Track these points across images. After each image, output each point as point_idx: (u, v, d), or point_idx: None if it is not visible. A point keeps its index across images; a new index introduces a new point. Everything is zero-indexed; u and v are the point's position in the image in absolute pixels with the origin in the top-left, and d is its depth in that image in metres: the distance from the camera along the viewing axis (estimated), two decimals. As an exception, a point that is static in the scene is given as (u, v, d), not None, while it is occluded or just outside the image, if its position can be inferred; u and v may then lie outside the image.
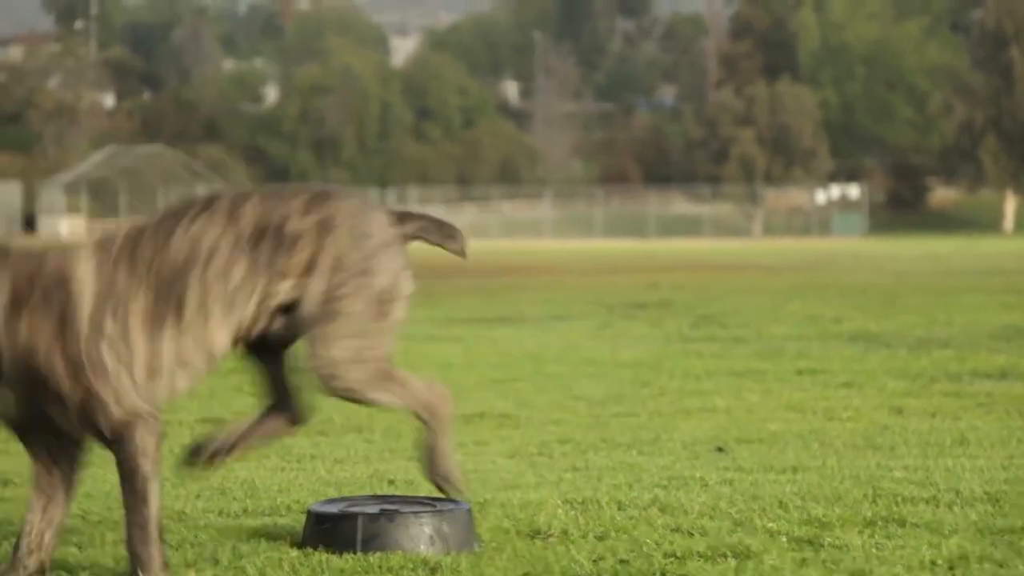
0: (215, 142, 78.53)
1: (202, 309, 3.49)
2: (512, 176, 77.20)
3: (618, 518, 4.40)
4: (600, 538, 4.17)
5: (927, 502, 4.64)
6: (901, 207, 78.27)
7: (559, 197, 73.06)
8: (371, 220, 3.60)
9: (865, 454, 5.79)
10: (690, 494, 4.80)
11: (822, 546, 4.07)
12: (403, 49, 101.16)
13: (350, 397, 3.71)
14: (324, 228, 3.54)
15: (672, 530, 4.25)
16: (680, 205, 75.18)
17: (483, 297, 17.93)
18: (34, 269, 3.46)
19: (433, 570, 3.82)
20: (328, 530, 4.02)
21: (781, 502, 4.63)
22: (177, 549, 4.03)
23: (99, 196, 71.10)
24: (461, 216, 73.25)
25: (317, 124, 78.84)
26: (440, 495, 4.26)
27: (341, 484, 5.12)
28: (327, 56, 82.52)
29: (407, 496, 4.37)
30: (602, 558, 3.93)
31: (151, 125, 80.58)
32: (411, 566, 3.84)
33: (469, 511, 4.12)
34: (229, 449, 3.77)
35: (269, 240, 3.50)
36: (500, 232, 68.71)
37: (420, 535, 3.99)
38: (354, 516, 4.00)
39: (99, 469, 5.49)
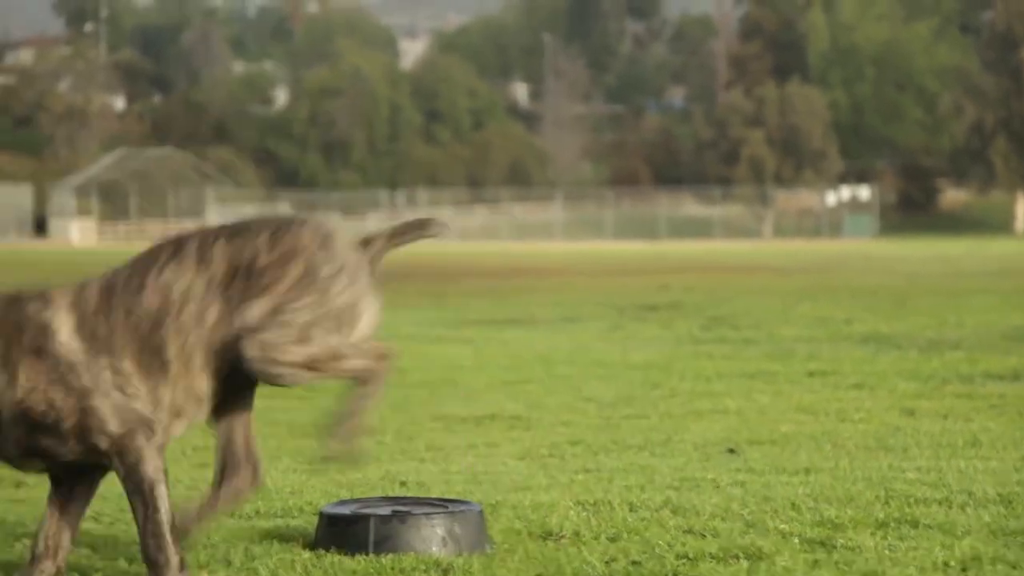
0: (225, 144, 78.63)
1: (183, 357, 3.49)
2: (522, 178, 77.20)
3: (630, 519, 4.40)
4: (612, 539, 4.17)
5: (940, 503, 4.63)
6: (912, 208, 78.16)
7: (569, 199, 73.05)
8: (332, 245, 3.58)
9: (877, 455, 5.78)
10: (702, 495, 4.80)
11: (834, 547, 4.06)
12: (412, 51, 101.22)
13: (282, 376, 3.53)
14: (287, 257, 3.53)
15: (684, 531, 4.25)
16: (690, 207, 75.13)
17: (493, 299, 17.93)
18: (18, 316, 3.49)
19: (445, 571, 3.82)
20: (340, 532, 4.02)
21: (793, 504, 4.63)
22: (190, 551, 4.04)
23: (109, 199, 71.22)
24: (471, 218, 73.28)
25: (327, 126, 78.91)
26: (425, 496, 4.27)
27: (353, 486, 5.13)
28: (336, 58, 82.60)
29: (419, 498, 4.37)
30: (614, 559, 3.93)
31: (161, 127, 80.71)
32: (423, 567, 3.84)
33: (481, 512, 4.13)
34: (190, 526, 3.72)
35: (241, 279, 3.51)
36: (510, 234, 68.70)
37: (432, 536, 3.99)
38: (366, 518, 4.01)
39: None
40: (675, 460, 5.72)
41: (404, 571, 3.82)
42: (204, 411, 3.59)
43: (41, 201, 68.87)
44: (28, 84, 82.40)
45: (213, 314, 3.49)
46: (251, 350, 3.48)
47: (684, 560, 3.92)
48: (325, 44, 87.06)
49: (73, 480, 3.62)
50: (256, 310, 3.50)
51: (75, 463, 3.57)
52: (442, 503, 4.22)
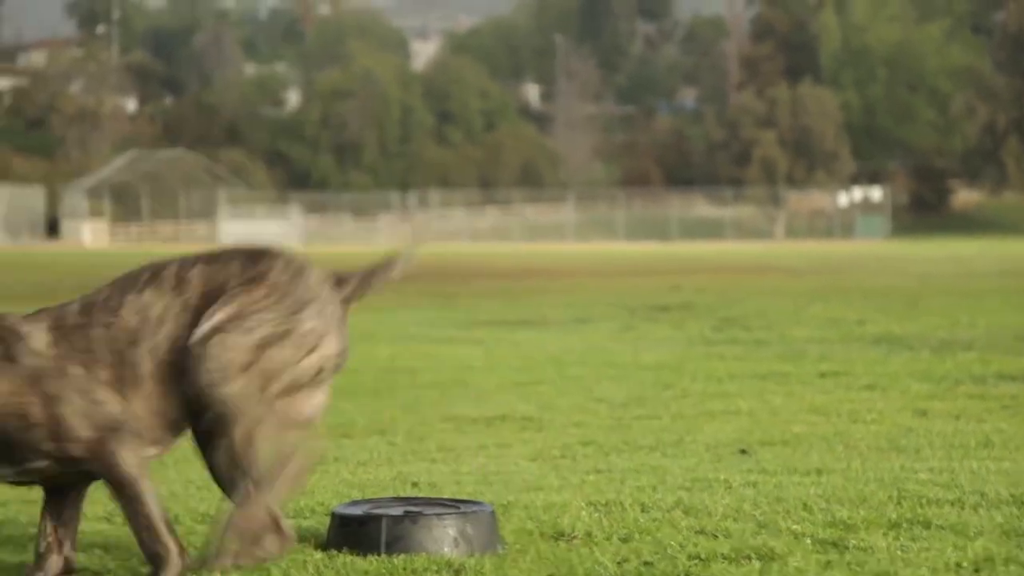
0: (237, 146, 78.76)
1: (158, 375, 3.50)
2: (534, 179, 77.23)
3: (642, 520, 4.39)
4: (624, 540, 4.16)
5: (952, 504, 4.62)
6: (924, 209, 78.06)
7: (581, 200, 73.06)
8: (303, 276, 3.57)
9: (889, 456, 5.77)
10: (714, 496, 4.79)
11: (847, 548, 4.06)
12: (424, 53, 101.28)
13: (229, 419, 3.49)
14: (255, 279, 3.52)
15: (696, 532, 4.25)
16: (702, 208, 75.11)
17: (505, 300, 17.94)
18: None
19: (457, 572, 3.82)
20: (352, 532, 4.03)
21: (805, 504, 4.62)
22: (204, 550, 4.04)
23: (121, 200, 71.36)
24: (483, 219, 73.33)
25: (338, 128, 78.99)
26: (462, 498, 4.27)
27: (364, 486, 5.13)
28: (348, 60, 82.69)
29: (430, 498, 4.37)
30: (626, 560, 3.93)
31: (173, 129, 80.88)
32: (435, 568, 3.84)
33: (493, 513, 4.13)
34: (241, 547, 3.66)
35: (202, 309, 3.53)
36: (522, 235, 68.71)
37: (444, 537, 3.99)
38: (378, 518, 4.01)
39: (124, 471, 5.52)
40: (687, 461, 5.72)
41: (416, 571, 3.82)
42: (178, 434, 3.58)
43: (53, 203, 69.03)
44: (40, 86, 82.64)
45: (186, 337, 3.50)
46: (199, 338, 3.46)
47: (696, 561, 3.92)
48: (337, 46, 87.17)
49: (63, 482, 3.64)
50: (220, 313, 3.49)
51: (64, 478, 3.58)
52: (454, 503, 4.22)
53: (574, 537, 4.20)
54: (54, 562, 3.66)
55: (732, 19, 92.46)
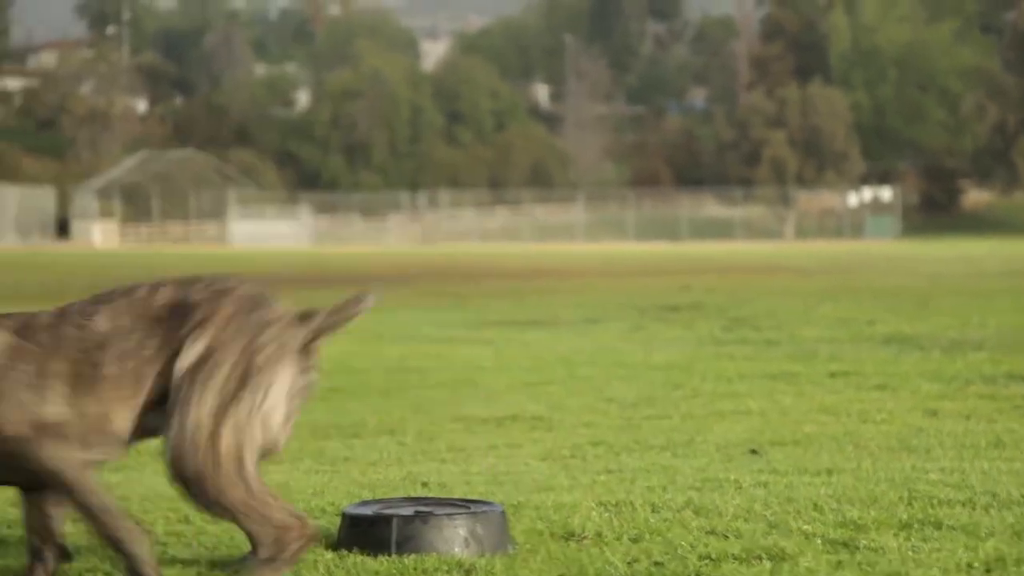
0: (247, 146, 78.84)
1: (116, 384, 3.53)
2: (544, 179, 77.22)
3: (652, 520, 4.39)
4: (634, 540, 4.16)
5: (963, 505, 4.62)
6: (934, 209, 77.94)
7: (590, 200, 73.04)
8: (265, 307, 3.60)
9: (900, 456, 5.76)
10: (724, 496, 4.79)
11: (858, 548, 4.05)
12: (434, 53, 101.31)
13: (195, 489, 3.52)
14: (218, 295, 3.58)
15: (706, 532, 4.25)
16: (712, 208, 75.05)
17: (514, 300, 17.94)
18: None
19: (468, 572, 3.82)
20: (363, 532, 4.03)
21: (816, 504, 4.62)
22: (213, 550, 4.05)
23: (132, 201, 71.47)
24: (493, 219, 73.33)
25: (348, 128, 79.04)
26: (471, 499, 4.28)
27: (375, 486, 5.13)
28: (358, 60, 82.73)
29: (441, 498, 4.38)
30: (636, 560, 3.93)
31: (183, 130, 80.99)
32: (446, 568, 3.84)
33: (503, 513, 4.13)
34: None
35: (176, 318, 3.58)
36: (532, 235, 68.71)
37: (454, 537, 3.99)
38: (389, 518, 4.01)
39: (134, 472, 5.52)
40: (697, 461, 5.71)
41: (427, 571, 3.82)
42: (124, 442, 3.60)
43: (64, 203, 69.14)
44: (51, 87, 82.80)
45: (151, 347, 3.54)
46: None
47: (707, 561, 3.92)
48: (346, 46, 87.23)
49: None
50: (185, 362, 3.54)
51: (18, 479, 3.61)
52: (464, 504, 4.22)
53: (584, 537, 4.20)
54: (49, 553, 3.69)
55: (742, 19, 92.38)
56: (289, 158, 79.17)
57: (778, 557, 3.94)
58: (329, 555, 3.99)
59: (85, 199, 69.72)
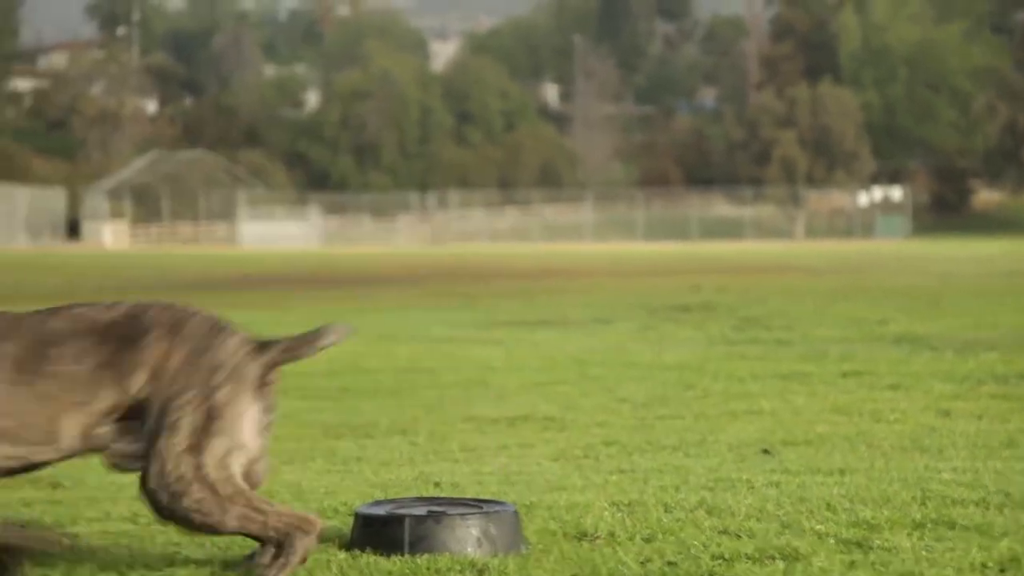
0: (256, 147, 78.90)
1: (53, 383, 3.55)
2: (553, 179, 77.19)
3: (665, 520, 4.39)
4: (647, 540, 4.16)
5: (976, 504, 4.61)
6: (945, 209, 77.81)
7: (600, 200, 73.00)
8: (220, 341, 3.60)
9: (913, 456, 5.75)
10: (737, 496, 4.79)
11: (871, 548, 4.04)
12: (443, 53, 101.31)
13: (197, 522, 3.58)
14: (173, 334, 3.57)
15: (719, 532, 4.24)
16: (721, 207, 74.97)
17: (524, 300, 17.93)
18: None
19: (480, 572, 3.82)
20: (376, 532, 4.03)
21: (829, 504, 4.61)
22: (226, 550, 4.05)
23: (142, 201, 71.55)
24: (502, 219, 73.32)
25: (358, 129, 79.07)
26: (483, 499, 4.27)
27: (387, 486, 5.13)
28: (367, 61, 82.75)
29: (453, 498, 4.37)
30: (649, 560, 3.92)
31: (193, 131, 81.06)
32: (458, 568, 3.84)
33: (516, 513, 4.12)
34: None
35: (125, 342, 3.59)
36: (541, 235, 68.69)
37: (467, 537, 3.99)
38: (402, 518, 4.01)
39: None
40: (710, 461, 5.71)
41: (440, 571, 3.82)
42: (61, 448, 3.61)
43: (74, 204, 69.23)
44: (61, 88, 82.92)
45: (95, 361, 3.57)
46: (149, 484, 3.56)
47: (720, 561, 3.91)
48: (356, 47, 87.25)
49: None
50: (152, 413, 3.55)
51: None
52: (477, 503, 4.22)
53: (597, 537, 4.19)
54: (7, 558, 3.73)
55: (752, 19, 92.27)
56: (299, 159, 79.22)
57: (791, 557, 3.94)
58: (342, 555, 3.99)
59: (95, 200, 69.81)
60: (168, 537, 4.18)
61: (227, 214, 70.97)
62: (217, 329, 3.63)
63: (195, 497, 3.53)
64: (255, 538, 3.65)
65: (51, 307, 3.73)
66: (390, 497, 4.66)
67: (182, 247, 63.29)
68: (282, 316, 15.13)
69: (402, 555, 3.94)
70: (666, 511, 4.54)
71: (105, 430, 3.59)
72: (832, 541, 4.12)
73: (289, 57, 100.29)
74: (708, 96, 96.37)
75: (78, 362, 3.58)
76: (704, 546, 4.04)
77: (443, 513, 4.05)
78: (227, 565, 3.88)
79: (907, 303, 15.82)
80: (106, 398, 3.57)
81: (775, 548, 4.00)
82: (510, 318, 14.39)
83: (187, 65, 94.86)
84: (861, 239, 66.81)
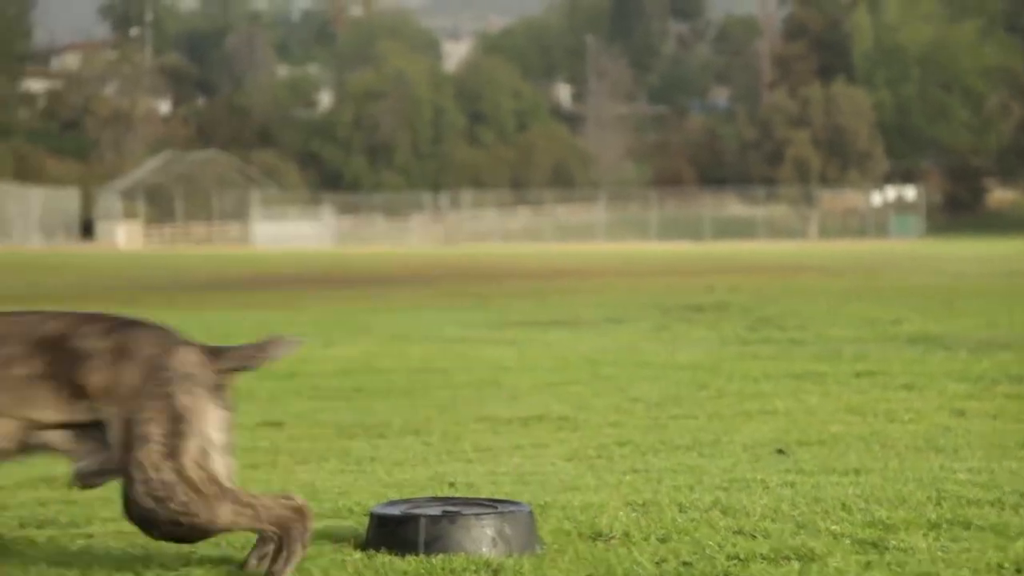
0: (269, 147, 78.99)
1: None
2: (565, 179, 77.17)
3: (680, 520, 4.38)
4: (662, 540, 4.16)
5: (992, 504, 4.59)
6: (958, 209, 77.65)
7: (613, 200, 72.95)
8: (172, 353, 3.61)
9: (927, 456, 5.74)
10: (752, 496, 4.78)
11: (887, 549, 4.04)
12: (456, 53, 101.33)
13: (186, 525, 3.61)
14: (120, 354, 3.59)
15: (734, 532, 4.24)
16: (734, 207, 74.89)
17: (537, 300, 17.93)
18: None
19: (496, 572, 3.82)
20: (391, 532, 4.03)
21: (844, 504, 4.60)
22: (242, 550, 4.05)
23: (155, 202, 71.67)
24: (515, 219, 73.31)
25: (371, 129, 79.13)
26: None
27: (401, 486, 5.14)
28: (380, 61, 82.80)
29: (468, 498, 4.37)
30: (664, 560, 3.92)
31: (206, 131, 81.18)
32: (474, 568, 3.84)
33: (531, 513, 4.12)
34: None
35: (66, 355, 3.60)
36: (554, 235, 68.67)
37: (482, 537, 3.99)
38: (416, 518, 4.01)
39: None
40: (724, 461, 5.70)
41: (455, 571, 3.82)
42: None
43: (88, 204, 69.39)
44: (74, 88, 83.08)
45: (30, 370, 3.59)
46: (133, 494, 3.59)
47: (735, 561, 3.91)
48: (368, 47, 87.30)
49: None
50: (114, 431, 3.57)
51: None
52: (491, 503, 4.21)
53: (612, 537, 4.19)
54: None
55: (764, 18, 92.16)
56: (311, 159, 79.30)
57: (807, 557, 3.93)
58: (357, 555, 4.00)
59: (109, 200, 69.95)
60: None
61: (240, 214, 71.06)
62: (166, 341, 3.63)
63: (181, 500, 3.55)
64: (252, 531, 3.67)
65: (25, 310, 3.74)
66: (404, 497, 4.66)
67: (195, 247, 63.38)
68: (295, 316, 15.15)
69: (417, 555, 3.94)
70: (680, 511, 4.53)
71: (49, 437, 3.60)
72: (848, 541, 4.11)
73: (302, 57, 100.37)
74: (721, 96, 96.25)
75: (7, 367, 3.58)
76: (719, 546, 4.04)
77: (458, 513, 4.05)
78: (243, 565, 3.88)
79: (921, 303, 15.78)
80: (43, 409, 3.57)
81: (790, 548, 4.00)
82: (523, 318, 14.38)
83: (200, 65, 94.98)
84: (875, 239, 66.69)
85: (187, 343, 3.66)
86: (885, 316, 13.52)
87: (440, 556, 3.91)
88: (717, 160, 79.98)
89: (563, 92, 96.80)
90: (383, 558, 3.94)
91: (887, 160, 76.07)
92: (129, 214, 69.81)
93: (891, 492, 4.81)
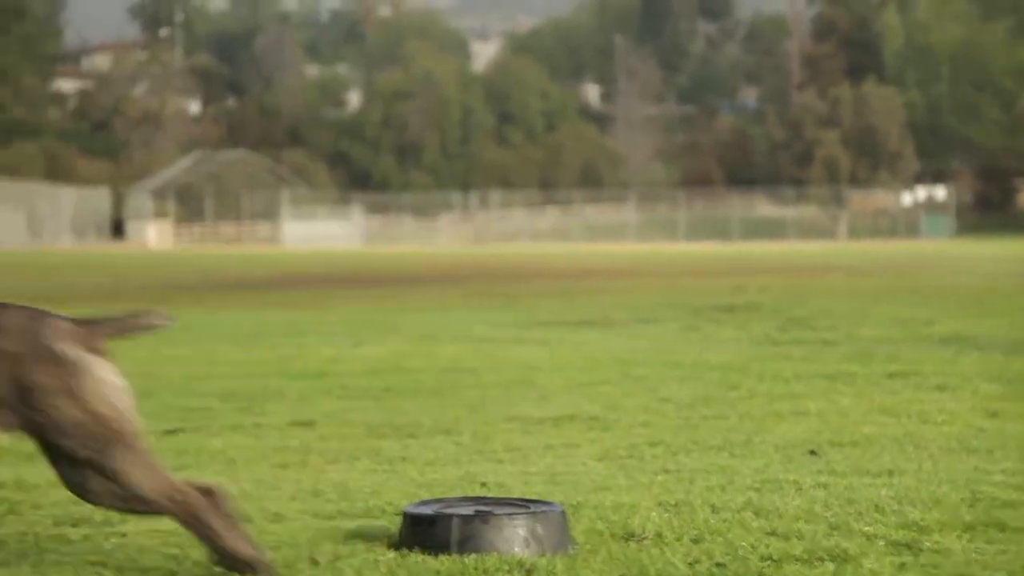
0: (298, 147, 79.19)
1: None
2: (594, 179, 77.11)
3: (712, 521, 4.37)
4: (695, 541, 4.14)
5: (1028, 506, 4.56)
6: (989, 209, 77.25)
7: (641, 200, 72.86)
8: (43, 321, 3.66)
9: (961, 457, 5.70)
10: (784, 497, 4.76)
11: (921, 550, 4.01)
12: (484, 54, 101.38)
13: (99, 464, 3.65)
14: None
15: (767, 533, 4.22)
16: (764, 208, 74.69)
17: (566, 300, 17.91)
18: None
19: (529, 572, 3.81)
20: (423, 532, 4.03)
21: (877, 506, 4.58)
22: (277, 549, 4.06)
23: (185, 201, 71.94)
24: (543, 219, 73.29)
25: (399, 129, 79.25)
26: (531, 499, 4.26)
27: (433, 486, 5.13)
28: (408, 61, 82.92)
29: (500, 498, 4.37)
30: (698, 561, 3.91)
31: (236, 131, 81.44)
32: (507, 568, 3.83)
33: (563, 513, 4.11)
34: None
35: None
36: (583, 236, 68.62)
37: (514, 537, 3.98)
38: (449, 518, 4.01)
39: (196, 471, 5.55)
40: (756, 461, 5.68)
41: (488, 571, 3.81)
42: None
43: (119, 204, 69.71)
44: (105, 89, 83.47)
45: None
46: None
47: (769, 562, 3.89)
48: (397, 47, 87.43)
49: None
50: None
51: None
52: (524, 503, 4.21)
53: (644, 538, 4.18)
54: None
55: (793, 17, 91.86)
56: (341, 159, 79.46)
57: (841, 559, 3.91)
58: (391, 554, 3.99)
59: (140, 200, 70.26)
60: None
61: (270, 214, 71.26)
62: (36, 314, 3.71)
63: (92, 433, 3.60)
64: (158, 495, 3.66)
65: None
66: (436, 497, 4.66)
67: (225, 247, 63.59)
68: (324, 315, 15.17)
69: (450, 555, 3.93)
70: (713, 512, 4.51)
71: None
72: (882, 543, 4.09)
73: (331, 57, 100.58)
74: (750, 96, 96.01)
75: None
76: (752, 547, 4.02)
77: (490, 513, 4.04)
78: (287, 565, 3.88)
79: (953, 303, 15.70)
80: None
81: (824, 550, 3.98)
82: (552, 318, 14.37)
83: (230, 66, 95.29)
84: (905, 239, 66.40)
85: (56, 315, 3.73)
86: (917, 316, 13.45)
87: (473, 556, 3.91)
88: (746, 160, 79.76)
89: (592, 92, 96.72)
90: (416, 558, 3.93)
91: (917, 160, 75.73)
92: (159, 214, 70.10)
93: (925, 494, 4.78)
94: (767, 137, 79.45)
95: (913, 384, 8.20)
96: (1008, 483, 4.99)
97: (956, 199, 72.85)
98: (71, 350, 3.64)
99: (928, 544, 4.06)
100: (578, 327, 13.09)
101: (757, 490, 4.93)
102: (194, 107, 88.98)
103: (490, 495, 4.73)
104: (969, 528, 4.27)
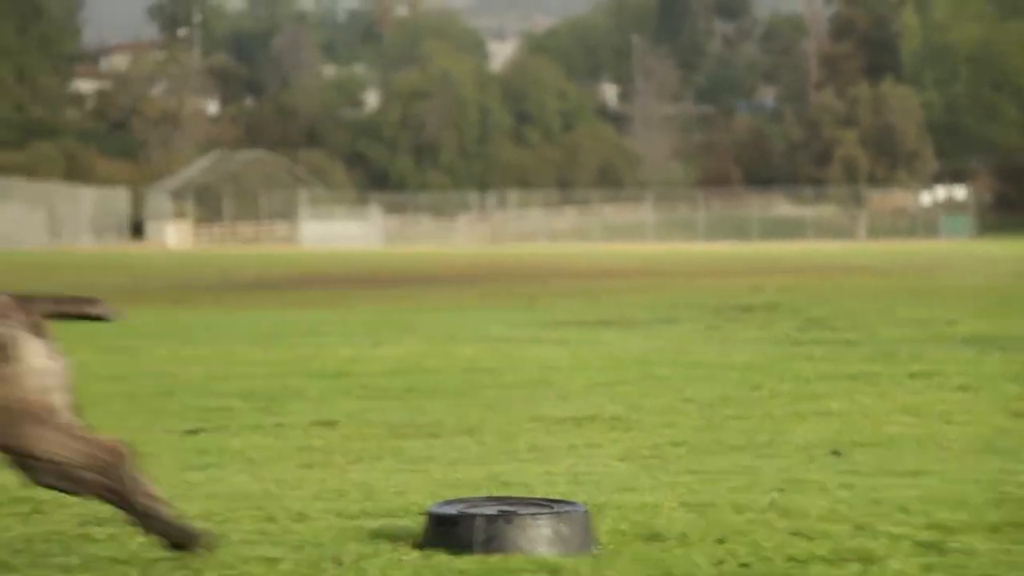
0: (316, 147, 79.29)
1: None
2: (612, 179, 77.06)
3: (736, 521, 4.35)
4: (719, 541, 4.13)
5: (1054, 507, 4.54)
6: (1008, 209, 76.98)
7: (659, 200, 72.78)
8: None
9: (986, 458, 5.68)
10: (809, 498, 4.74)
11: (947, 551, 4.00)
12: (501, 53, 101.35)
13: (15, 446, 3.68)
14: None
15: (792, 534, 4.20)
16: (782, 207, 74.55)
17: (585, 300, 17.90)
18: None
19: (554, 571, 3.80)
20: (447, 531, 4.02)
21: (902, 506, 4.56)
22: (301, 549, 4.06)
23: (203, 202, 72.08)
24: (561, 219, 73.26)
25: (417, 129, 79.29)
26: (555, 498, 4.25)
27: (457, 486, 5.13)
28: (426, 61, 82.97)
29: (524, 498, 4.36)
30: (722, 562, 3.89)
31: (254, 131, 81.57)
32: (532, 568, 3.82)
33: (587, 513, 4.11)
34: None
35: None
36: (600, 235, 68.58)
37: (539, 537, 3.97)
38: (473, 517, 4.00)
39: (218, 470, 5.56)
40: (779, 462, 5.66)
41: (512, 571, 3.81)
42: None
43: (138, 204, 69.87)
44: (123, 89, 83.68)
45: None
46: None
47: (794, 563, 3.88)
48: (414, 47, 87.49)
49: None
50: None
51: None
52: (548, 503, 4.20)
53: (669, 538, 4.16)
54: None
55: (811, 17, 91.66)
56: (358, 158, 79.54)
57: (866, 559, 3.90)
58: (415, 554, 3.99)
59: (158, 200, 70.43)
60: (241, 536, 4.19)
61: (288, 214, 71.36)
62: None
63: (19, 412, 3.62)
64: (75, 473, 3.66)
65: None
66: (460, 496, 4.65)
67: (243, 247, 63.71)
68: (343, 315, 15.19)
69: (474, 554, 3.93)
70: (737, 512, 4.50)
71: None
72: (907, 544, 4.07)
73: (348, 57, 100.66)
74: (768, 95, 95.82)
75: None
76: (777, 548, 4.01)
77: (514, 513, 4.03)
78: (299, 562, 3.89)
79: (975, 303, 15.65)
80: None
81: (850, 550, 3.96)
82: (571, 318, 14.36)
83: (248, 66, 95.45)
84: (924, 239, 66.23)
85: None
86: (938, 316, 13.41)
87: (498, 556, 3.90)
88: (764, 160, 79.62)
89: (609, 92, 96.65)
90: (440, 557, 3.93)
91: (936, 160, 75.52)
92: (178, 214, 70.26)
93: (950, 494, 4.76)
94: (785, 137, 79.31)
95: (936, 384, 8.17)
96: (1034, 484, 4.96)
97: (975, 199, 72.63)
98: (4, 327, 3.66)
99: (954, 545, 4.04)
100: (597, 327, 13.07)
101: (781, 491, 4.92)
102: (212, 107, 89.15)
103: (514, 495, 4.72)
104: (995, 529, 4.25)
